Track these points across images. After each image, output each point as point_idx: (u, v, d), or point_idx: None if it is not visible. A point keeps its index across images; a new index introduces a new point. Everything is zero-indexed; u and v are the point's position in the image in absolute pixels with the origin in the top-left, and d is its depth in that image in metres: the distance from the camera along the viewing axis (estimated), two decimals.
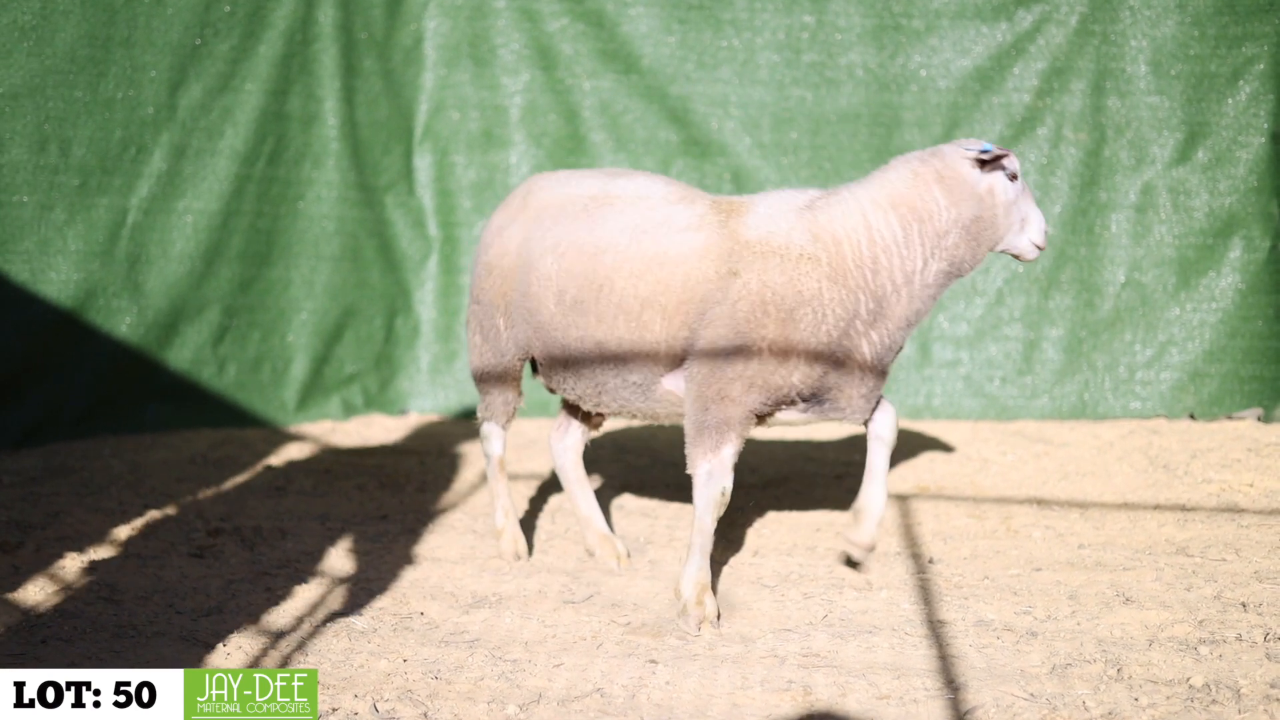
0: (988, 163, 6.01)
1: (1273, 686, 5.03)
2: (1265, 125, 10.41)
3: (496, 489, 6.93)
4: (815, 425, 8.16)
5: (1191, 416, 10.38)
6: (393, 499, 7.88)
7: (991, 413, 10.38)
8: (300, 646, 5.48)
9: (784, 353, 5.87)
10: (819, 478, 8.56)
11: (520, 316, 6.49)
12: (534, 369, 6.75)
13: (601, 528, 6.89)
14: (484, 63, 10.41)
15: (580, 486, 6.98)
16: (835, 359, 5.94)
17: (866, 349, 5.99)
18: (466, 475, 8.48)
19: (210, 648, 5.42)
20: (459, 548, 6.93)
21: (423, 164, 10.45)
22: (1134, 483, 8.34)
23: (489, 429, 6.91)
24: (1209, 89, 10.45)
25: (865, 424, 6.25)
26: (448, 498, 7.95)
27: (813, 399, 6.03)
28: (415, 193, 10.45)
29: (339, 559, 6.70)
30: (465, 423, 10.17)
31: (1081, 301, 10.43)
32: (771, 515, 7.63)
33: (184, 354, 9.63)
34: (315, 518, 7.41)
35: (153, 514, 7.33)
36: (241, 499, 7.78)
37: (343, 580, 6.36)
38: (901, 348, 6.15)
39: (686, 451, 5.95)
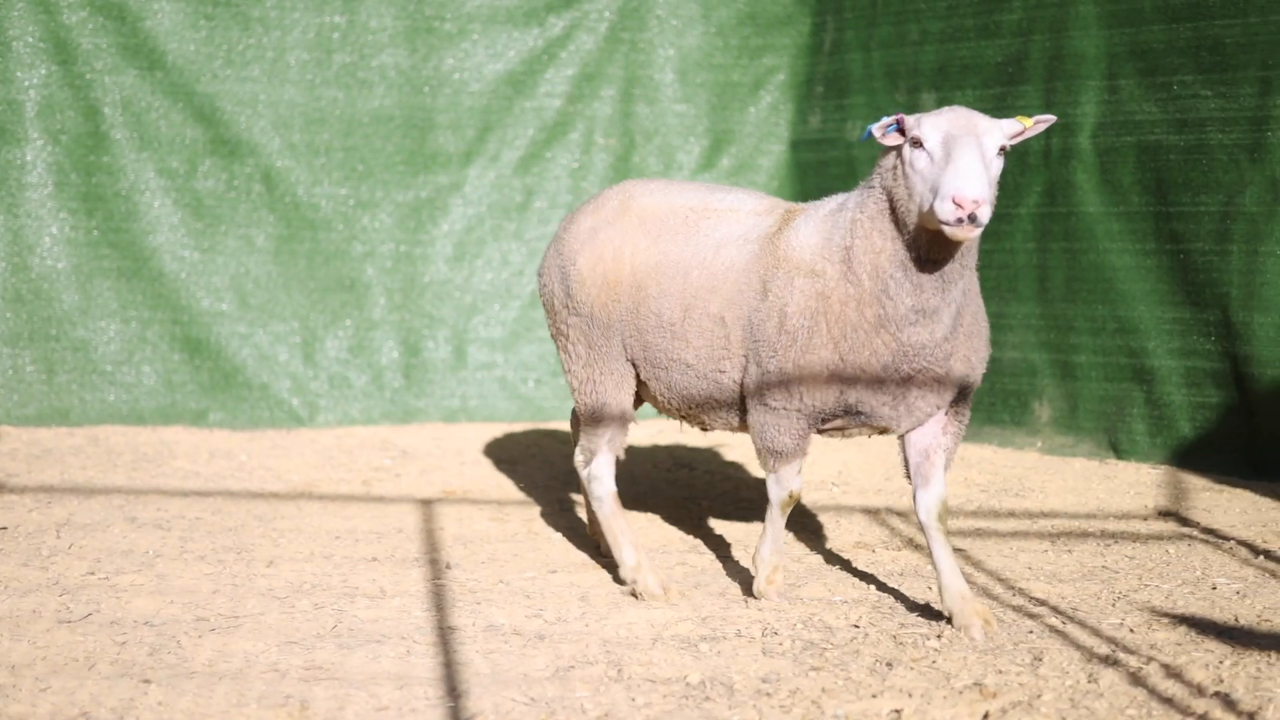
0: (894, 143, 5.59)
1: (764, 681, 5.16)
2: (785, 133, 10.77)
3: (620, 526, 6.48)
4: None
5: None
6: None
7: (527, 414, 10.44)
8: None
9: (799, 372, 5.79)
10: (344, 483, 8.46)
11: (629, 330, 6.32)
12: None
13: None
14: None
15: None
16: (848, 373, 5.73)
17: (880, 353, 5.66)
18: None
19: None
20: None
21: None
22: (658, 480, 8.49)
23: (599, 468, 6.54)
24: (732, 98, 10.76)
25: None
26: None
27: (848, 412, 5.86)
28: None
29: None
30: None
31: None
32: (291, 524, 7.48)
33: None
34: None
35: None
36: None
37: None
38: (947, 354, 5.72)
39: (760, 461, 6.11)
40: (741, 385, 6.06)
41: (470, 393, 10.40)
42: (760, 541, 6.18)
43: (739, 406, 6.15)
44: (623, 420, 6.49)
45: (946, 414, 5.93)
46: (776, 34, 10.76)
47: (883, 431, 6.00)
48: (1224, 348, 8.41)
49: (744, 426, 6.23)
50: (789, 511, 6.14)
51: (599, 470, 6.54)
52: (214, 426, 9.88)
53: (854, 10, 10.30)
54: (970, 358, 5.83)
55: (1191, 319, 8.56)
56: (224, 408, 9.95)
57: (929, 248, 5.51)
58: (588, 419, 6.54)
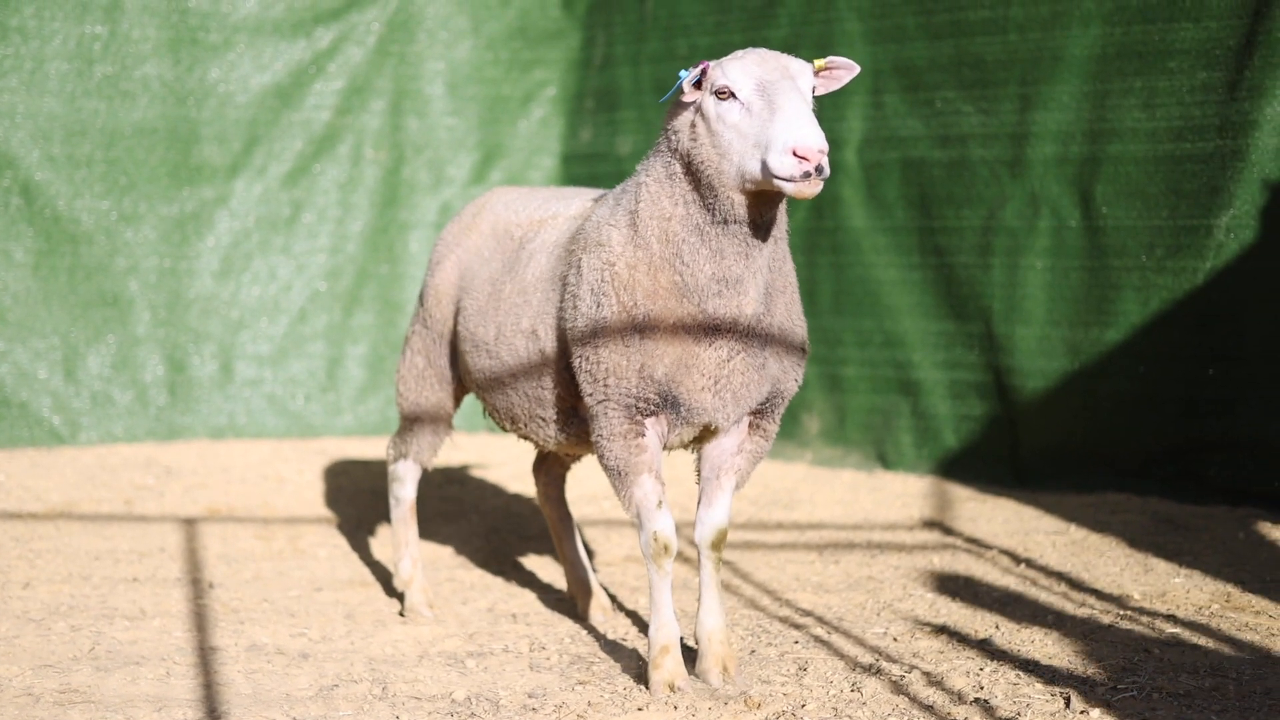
0: (690, 99, 5.04)
1: (531, 696, 5.12)
2: (556, 147, 10.78)
3: (406, 537, 6.43)
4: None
5: None
6: None
7: (296, 430, 10.29)
8: None
9: (597, 352, 5.15)
10: (105, 502, 8.24)
11: (458, 352, 6.02)
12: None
13: (584, 578, 6.28)
14: None
15: (563, 526, 6.41)
16: (650, 346, 5.08)
17: (688, 325, 5.07)
18: None
19: None
20: None
21: None
22: (428, 495, 8.41)
23: (404, 469, 6.45)
24: (503, 111, 10.74)
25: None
26: None
27: (666, 402, 5.14)
28: None
29: None
30: None
31: (384, 319, 10.48)
32: (49, 545, 7.26)
33: None
34: None
35: None
36: None
37: None
38: (764, 334, 5.16)
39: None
40: (563, 399, 5.50)
41: (237, 409, 10.21)
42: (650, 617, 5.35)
43: (563, 422, 5.59)
44: (435, 436, 6.35)
45: (747, 429, 5.37)
46: (546, 48, 10.76)
47: (707, 433, 5.35)
48: (987, 360, 8.59)
49: (572, 442, 5.66)
50: (667, 570, 5.26)
51: (402, 472, 6.45)
52: None
53: (623, 25, 10.34)
54: (783, 359, 5.27)
55: (955, 331, 8.73)
56: None
57: (747, 209, 4.95)
58: (405, 422, 6.41)
